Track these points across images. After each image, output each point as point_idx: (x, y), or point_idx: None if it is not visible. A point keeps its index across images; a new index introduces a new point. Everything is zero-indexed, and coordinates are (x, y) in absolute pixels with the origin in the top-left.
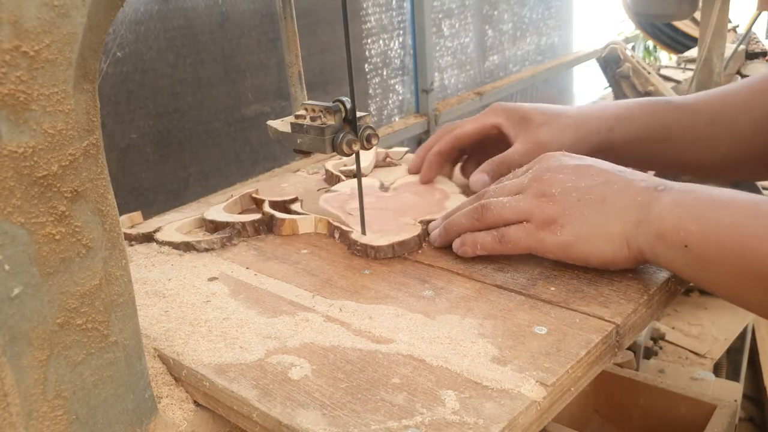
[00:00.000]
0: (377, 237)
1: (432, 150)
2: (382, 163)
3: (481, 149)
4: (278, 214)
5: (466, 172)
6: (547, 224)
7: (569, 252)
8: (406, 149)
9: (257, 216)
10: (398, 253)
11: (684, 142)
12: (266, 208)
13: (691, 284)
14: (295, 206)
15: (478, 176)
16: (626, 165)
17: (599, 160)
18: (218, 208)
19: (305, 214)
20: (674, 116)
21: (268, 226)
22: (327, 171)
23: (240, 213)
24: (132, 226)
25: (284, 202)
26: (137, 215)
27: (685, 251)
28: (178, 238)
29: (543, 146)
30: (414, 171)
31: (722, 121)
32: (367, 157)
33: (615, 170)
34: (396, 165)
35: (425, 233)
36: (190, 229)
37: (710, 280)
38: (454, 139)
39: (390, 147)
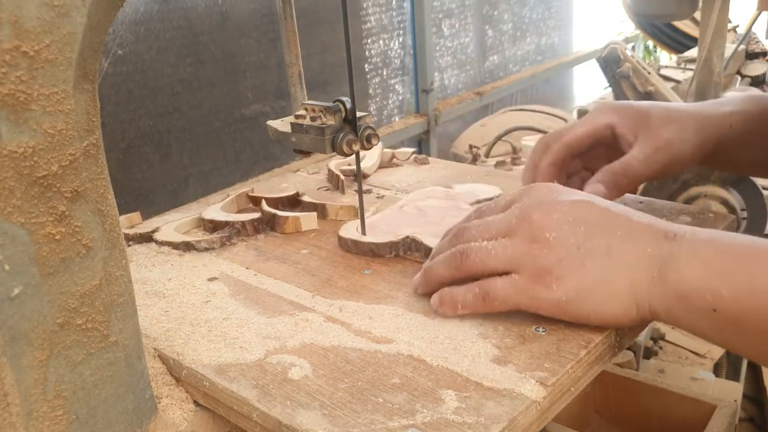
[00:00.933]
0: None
1: (543, 163)
2: (388, 164)
3: (592, 153)
4: (281, 213)
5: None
6: (541, 276)
7: (567, 310)
8: (412, 150)
9: (256, 215)
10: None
11: None
12: (265, 207)
13: None
14: (306, 198)
15: (593, 188)
16: (740, 168)
17: (594, 196)
18: (216, 207)
19: (309, 211)
20: None
21: (271, 225)
22: (329, 171)
23: (237, 212)
24: (131, 227)
25: (286, 198)
26: (136, 216)
27: (713, 315)
28: (178, 238)
29: (665, 147)
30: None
31: None
32: (373, 157)
33: (616, 210)
34: (400, 165)
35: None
36: (189, 228)
37: (744, 345)
38: (565, 147)
39: (390, 147)
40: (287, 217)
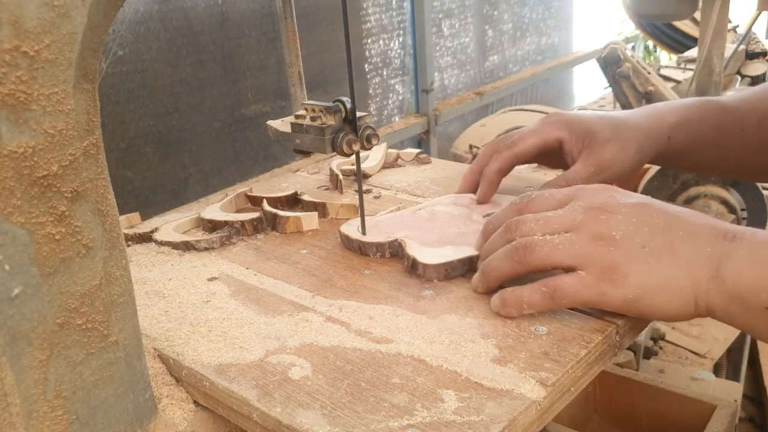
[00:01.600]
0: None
1: (491, 168)
2: (393, 164)
3: (537, 159)
4: (282, 212)
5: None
6: (608, 273)
7: (634, 307)
8: (418, 150)
9: (256, 214)
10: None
11: (735, 144)
12: (266, 206)
13: None
14: (305, 197)
15: None
16: (681, 170)
17: (655, 200)
18: (215, 207)
19: (309, 210)
20: (725, 118)
21: (272, 225)
22: (331, 170)
23: (235, 212)
24: (131, 227)
25: (285, 197)
26: (135, 216)
27: (766, 313)
28: (178, 237)
29: (606, 167)
30: (465, 190)
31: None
32: (376, 157)
33: (675, 211)
34: (402, 166)
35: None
36: (188, 228)
37: None
38: (514, 157)
39: (390, 147)
40: (288, 217)
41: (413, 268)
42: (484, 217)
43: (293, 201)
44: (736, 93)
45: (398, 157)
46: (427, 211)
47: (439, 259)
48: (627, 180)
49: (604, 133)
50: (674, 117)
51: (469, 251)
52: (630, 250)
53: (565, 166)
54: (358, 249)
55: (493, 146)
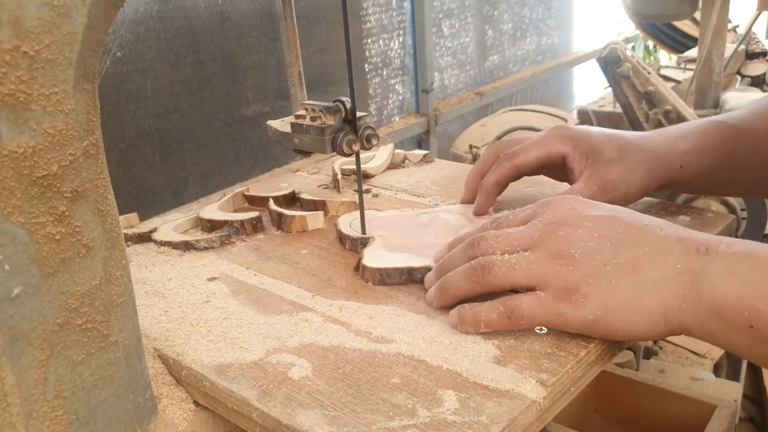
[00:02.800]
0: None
1: (489, 180)
2: (400, 165)
3: (541, 173)
4: (288, 212)
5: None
6: (567, 294)
7: (594, 328)
8: (425, 152)
9: (255, 214)
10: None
11: (748, 166)
12: (272, 206)
13: None
14: (304, 195)
15: None
16: (690, 193)
17: (621, 209)
18: (213, 207)
19: (308, 208)
20: (738, 142)
21: (277, 224)
22: (333, 169)
23: (233, 212)
24: (129, 227)
25: (283, 196)
26: (134, 216)
27: (750, 332)
28: (177, 237)
29: (611, 189)
30: (467, 201)
31: None
32: (381, 156)
33: (642, 224)
34: (405, 167)
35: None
36: (186, 228)
37: None
38: (514, 169)
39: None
40: (294, 216)
41: (356, 267)
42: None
43: (291, 200)
44: (746, 109)
45: (405, 158)
46: (429, 216)
47: (379, 263)
48: (633, 202)
49: (609, 153)
50: (687, 144)
51: (418, 261)
52: (590, 269)
53: (569, 181)
54: (340, 240)
55: (495, 150)
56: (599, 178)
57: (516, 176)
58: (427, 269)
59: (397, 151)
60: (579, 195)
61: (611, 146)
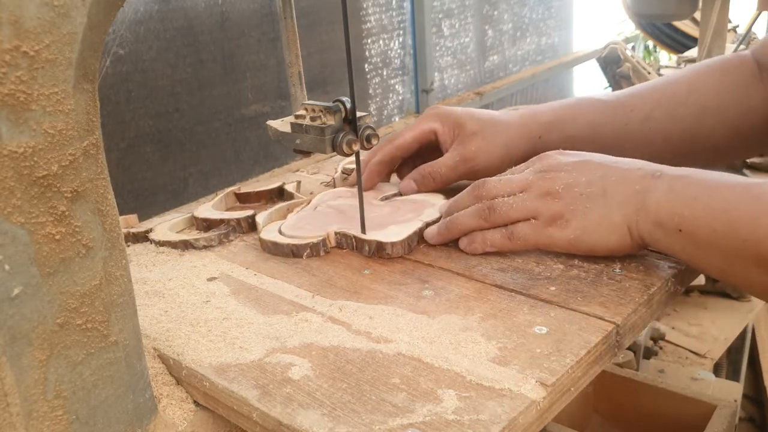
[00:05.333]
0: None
1: (374, 160)
2: None
3: (419, 153)
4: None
5: (401, 176)
6: (554, 220)
7: (576, 244)
8: None
9: (250, 212)
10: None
11: (616, 139)
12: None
13: (691, 284)
14: (289, 186)
15: (406, 183)
16: None
17: (596, 154)
18: (208, 206)
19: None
20: (606, 116)
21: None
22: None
23: (226, 211)
24: (129, 227)
25: (275, 190)
26: (133, 218)
27: (680, 235)
28: (175, 237)
29: (470, 158)
30: (354, 182)
31: (656, 118)
32: None
33: (611, 162)
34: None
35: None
36: (182, 228)
37: (704, 262)
38: (394, 149)
39: None
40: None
41: (378, 249)
42: (381, 199)
43: (279, 194)
44: (628, 88)
45: None
46: (326, 207)
47: (271, 237)
48: (498, 172)
49: (471, 127)
50: (547, 116)
51: (294, 239)
52: (570, 199)
53: (440, 155)
54: (290, 252)
55: (382, 142)
56: (462, 148)
57: (398, 156)
58: (286, 246)
59: None
60: (442, 165)
61: (473, 121)
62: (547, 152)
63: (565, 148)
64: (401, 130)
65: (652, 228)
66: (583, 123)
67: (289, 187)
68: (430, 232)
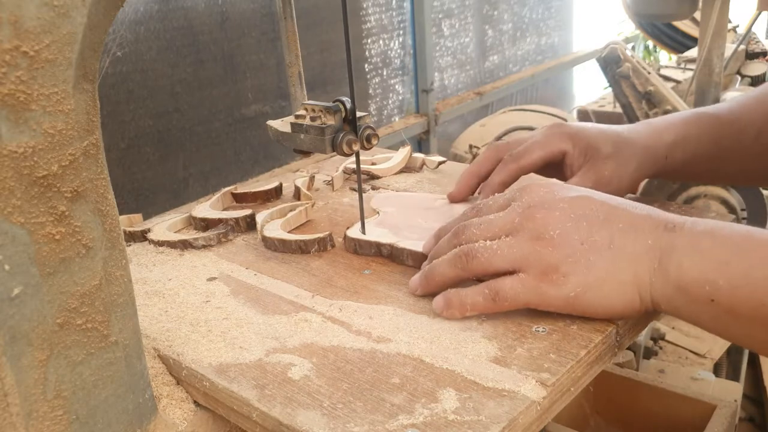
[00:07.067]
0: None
1: (495, 180)
2: (418, 169)
3: (540, 171)
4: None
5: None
6: (547, 274)
7: (576, 305)
8: (443, 159)
9: (248, 212)
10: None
11: (732, 155)
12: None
13: None
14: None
15: None
16: (678, 182)
17: (592, 190)
18: (205, 206)
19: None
20: (722, 131)
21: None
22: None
23: (223, 210)
24: (130, 226)
25: (271, 190)
26: (137, 217)
27: (712, 306)
28: (174, 236)
29: (605, 183)
30: (462, 192)
31: (767, 134)
32: (396, 159)
33: (614, 202)
34: (419, 172)
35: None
36: (180, 228)
37: (745, 336)
38: (520, 170)
39: (389, 147)
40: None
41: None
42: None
43: (278, 193)
44: (733, 101)
45: (423, 163)
46: (441, 202)
47: (358, 235)
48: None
49: (606, 150)
50: (671, 135)
51: (390, 239)
52: (568, 248)
53: (562, 177)
54: (299, 249)
55: (495, 151)
56: (595, 174)
57: (520, 176)
58: (393, 247)
59: (416, 155)
60: None
61: (607, 142)
62: (535, 183)
63: (689, 168)
64: (526, 147)
65: (673, 294)
66: (707, 140)
67: (299, 182)
68: (413, 284)
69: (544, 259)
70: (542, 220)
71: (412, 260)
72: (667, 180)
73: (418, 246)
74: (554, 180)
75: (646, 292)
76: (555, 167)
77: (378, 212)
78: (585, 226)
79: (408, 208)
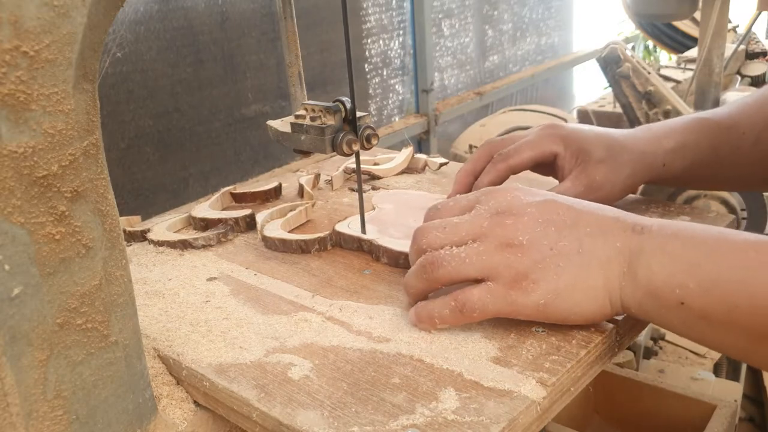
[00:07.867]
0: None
1: (484, 180)
2: (416, 170)
3: (535, 171)
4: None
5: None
6: (517, 282)
7: (546, 312)
8: (445, 161)
9: (248, 211)
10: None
11: (731, 161)
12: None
13: None
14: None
15: None
16: (674, 187)
17: (557, 195)
18: (205, 206)
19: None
20: (722, 138)
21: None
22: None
23: (221, 210)
24: (130, 227)
25: (270, 190)
26: (136, 219)
27: (682, 309)
28: (174, 236)
29: (597, 188)
30: (459, 192)
31: (765, 140)
32: (398, 159)
33: (580, 206)
34: (421, 173)
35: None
36: (179, 228)
37: (718, 341)
38: (509, 169)
39: (389, 147)
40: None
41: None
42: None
43: (278, 193)
44: (733, 104)
45: (426, 164)
46: (438, 202)
47: (344, 229)
48: (617, 200)
49: (598, 154)
50: (671, 142)
51: (374, 235)
52: (537, 255)
53: (556, 177)
54: (299, 248)
55: (488, 149)
56: (586, 178)
57: (510, 175)
58: (371, 243)
59: (418, 156)
60: (565, 194)
61: (600, 146)
62: (501, 187)
63: (687, 175)
64: (516, 147)
65: (642, 298)
66: (706, 147)
67: (303, 180)
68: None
69: (513, 267)
70: (512, 226)
71: (387, 258)
72: (664, 186)
73: (396, 244)
74: (517, 185)
75: (617, 297)
76: (546, 167)
77: (374, 207)
78: (553, 231)
79: (405, 207)
